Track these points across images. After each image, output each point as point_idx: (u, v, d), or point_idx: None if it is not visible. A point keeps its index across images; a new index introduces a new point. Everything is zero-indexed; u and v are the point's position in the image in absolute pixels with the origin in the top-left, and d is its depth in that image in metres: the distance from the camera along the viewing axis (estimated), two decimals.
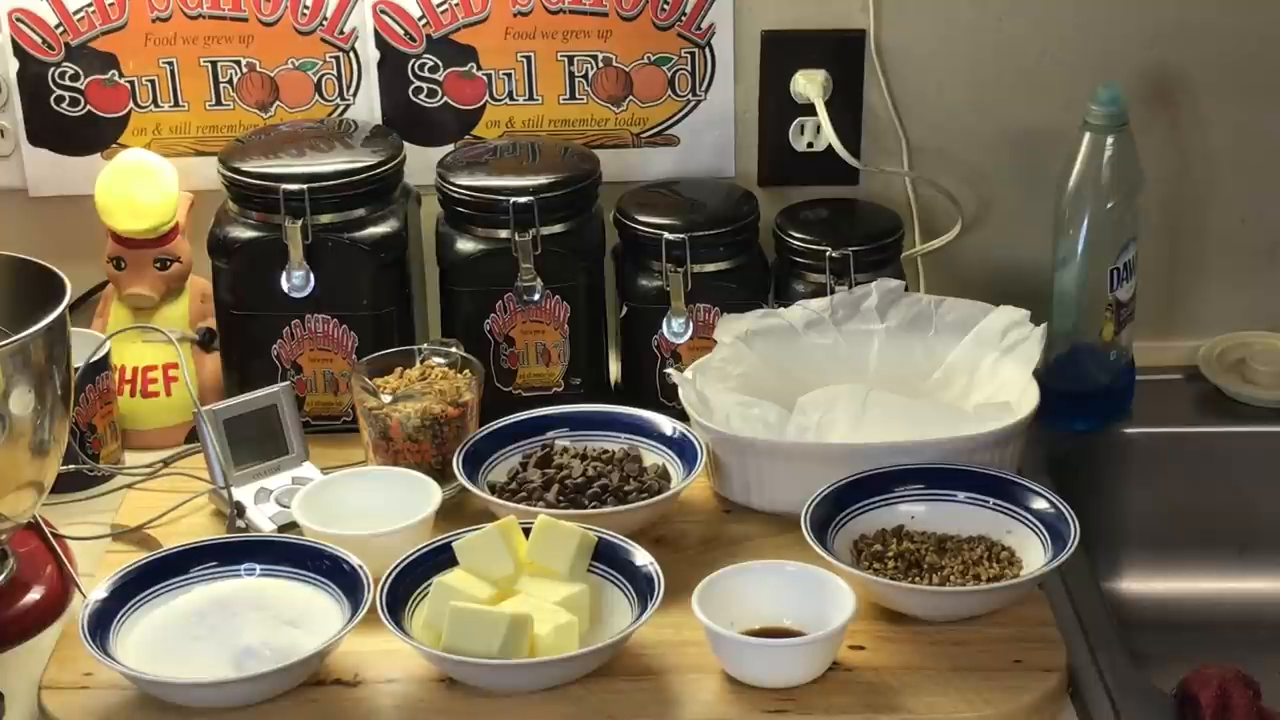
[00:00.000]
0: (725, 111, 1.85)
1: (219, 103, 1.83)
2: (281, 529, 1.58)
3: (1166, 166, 1.86)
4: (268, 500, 1.61)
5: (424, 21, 1.80)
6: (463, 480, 1.58)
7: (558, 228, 1.72)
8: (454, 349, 1.68)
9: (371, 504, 1.57)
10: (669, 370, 1.69)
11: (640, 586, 1.44)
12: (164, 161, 1.79)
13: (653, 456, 1.64)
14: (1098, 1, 1.82)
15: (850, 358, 1.71)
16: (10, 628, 1.49)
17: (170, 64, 1.81)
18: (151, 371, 1.77)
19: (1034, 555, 1.50)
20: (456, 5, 1.80)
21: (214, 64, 1.81)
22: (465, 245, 1.73)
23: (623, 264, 1.77)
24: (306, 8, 1.80)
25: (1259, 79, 1.85)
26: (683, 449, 1.63)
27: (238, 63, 1.82)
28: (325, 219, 1.69)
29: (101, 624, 1.42)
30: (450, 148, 1.83)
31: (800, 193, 1.86)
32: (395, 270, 1.73)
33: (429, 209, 1.79)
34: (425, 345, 1.70)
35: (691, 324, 1.73)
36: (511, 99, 1.84)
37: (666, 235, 1.71)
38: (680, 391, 1.63)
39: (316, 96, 1.84)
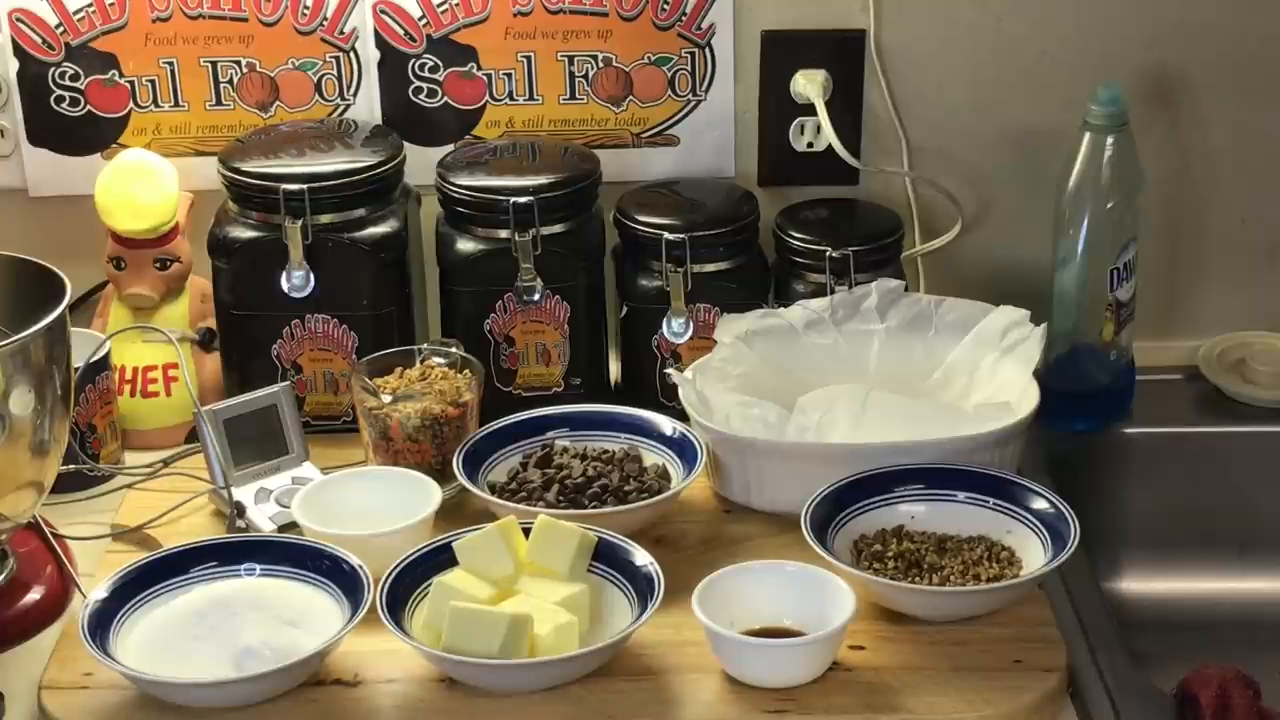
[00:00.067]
0: (725, 111, 1.85)
1: (219, 103, 1.83)
2: (281, 529, 1.58)
3: (1166, 166, 1.86)
4: (268, 500, 1.61)
5: (424, 21, 1.81)
6: (463, 480, 1.58)
7: (558, 228, 1.72)
8: (454, 349, 1.68)
9: (371, 504, 1.57)
10: (669, 370, 1.69)
11: (640, 586, 1.44)
12: (164, 161, 1.79)
13: (653, 456, 1.64)
14: (1098, 1, 1.82)
15: (850, 358, 1.71)
16: (10, 628, 1.49)
17: (170, 64, 1.81)
18: (151, 371, 1.77)
19: (1034, 555, 1.50)
20: (456, 5, 1.80)
21: (214, 64, 1.82)
22: (465, 245, 1.73)
23: (623, 264, 1.77)
24: (306, 8, 1.80)
25: (1259, 79, 1.85)
26: (683, 449, 1.63)
27: (238, 63, 1.82)
28: (325, 219, 1.69)
29: (101, 624, 1.42)
30: (450, 148, 1.83)
31: (800, 193, 1.86)
32: (395, 270, 1.73)
33: (429, 209, 1.79)
34: (425, 345, 1.70)
35: (691, 324, 1.73)
36: (511, 99, 1.84)
37: (666, 235, 1.71)
38: (680, 391, 1.63)
39: (316, 96, 1.84)
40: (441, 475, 1.60)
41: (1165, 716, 1.38)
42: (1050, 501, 1.51)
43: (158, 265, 1.78)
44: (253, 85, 1.83)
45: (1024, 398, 1.62)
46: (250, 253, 1.70)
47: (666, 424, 1.65)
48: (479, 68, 1.82)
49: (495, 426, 1.65)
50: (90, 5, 1.78)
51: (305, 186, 1.67)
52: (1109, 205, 1.71)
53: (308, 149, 1.74)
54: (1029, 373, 1.64)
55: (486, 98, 1.84)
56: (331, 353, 1.73)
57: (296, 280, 1.68)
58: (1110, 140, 1.70)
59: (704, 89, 1.84)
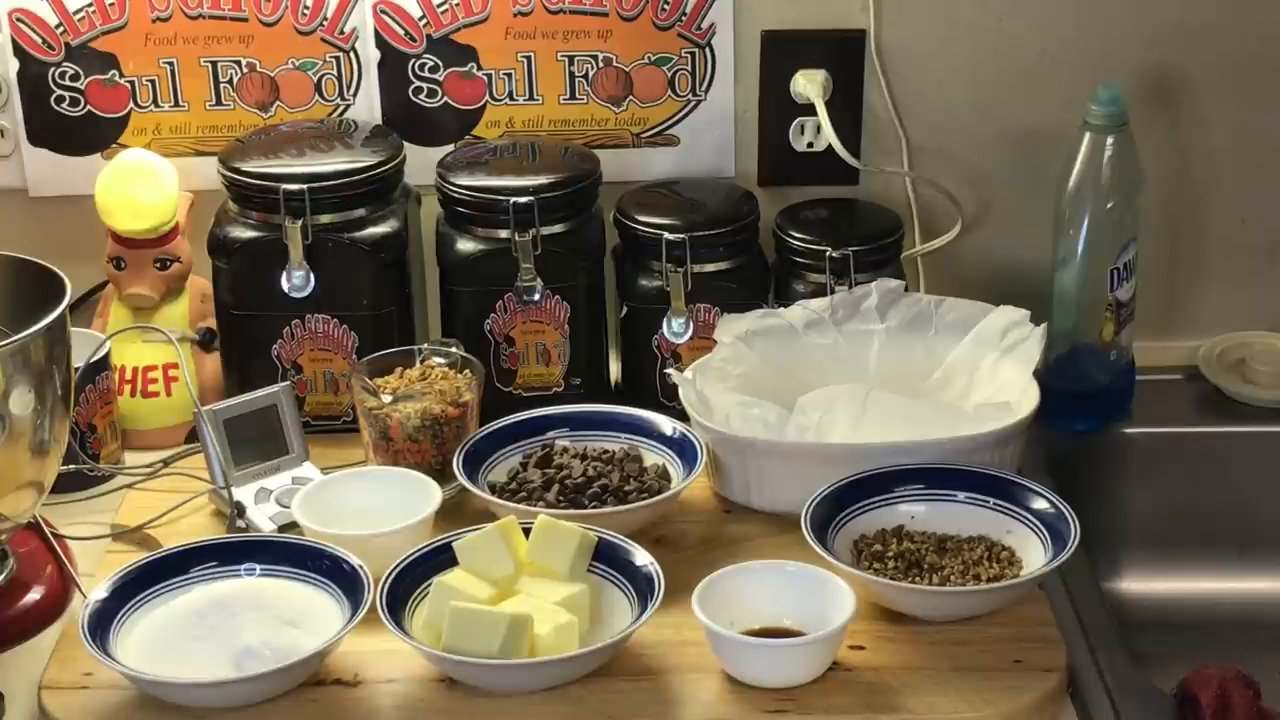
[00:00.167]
0: (725, 111, 1.85)
1: (219, 103, 1.83)
2: (281, 529, 1.58)
3: (1166, 166, 1.86)
4: (268, 500, 1.61)
5: (424, 21, 1.81)
6: (463, 480, 1.58)
7: (558, 228, 1.72)
8: (454, 349, 1.68)
9: (371, 504, 1.57)
10: (669, 370, 1.69)
11: (640, 586, 1.44)
12: (164, 161, 1.79)
13: (653, 456, 1.64)
14: (1098, 1, 1.82)
15: (850, 358, 1.71)
16: (10, 628, 1.49)
17: (170, 64, 1.81)
18: (151, 371, 1.77)
19: (1034, 555, 1.50)
20: (456, 5, 1.80)
21: (214, 64, 1.82)
22: (465, 245, 1.73)
23: (623, 264, 1.77)
24: (307, 8, 1.80)
25: (1259, 79, 1.85)
26: (683, 449, 1.63)
27: (238, 63, 1.82)
28: (325, 219, 1.69)
29: (101, 624, 1.42)
30: (450, 148, 1.83)
31: (800, 193, 1.86)
32: (395, 270, 1.73)
33: (429, 209, 1.79)
34: (425, 345, 1.70)
35: (691, 324, 1.73)
36: (511, 99, 1.84)
37: (666, 235, 1.71)
38: (680, 391, 1.63)
39: (316, 96, 1.84)
40: (441, 475, 1.60)
41: (1165, 716, 1.37)
42: (1050, 501, 1.51)
43: (158, 265, 1.78)
44: (253, 85, 1.83)
45: (1024, 398, 1.62)
46: (250, 253, 1.70)
47: (666, 424, 1.65)
48: (479, 68, 1.82)
49: (495, 426, 1.65)
50: (90, 5, 1.78)
51: (305, 186, 1.67)
52: (1109, 205, 1.71)
53: (308, 149, 1.74)
54: (1029, 373, 1.64)
55: (486, 98, 1.84)
56: (331, 353, 1.73)
57: (296, 280, 1.68)
58: (1110, 140, 1.70)
59: (704, 89, 1.84)
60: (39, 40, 1.80)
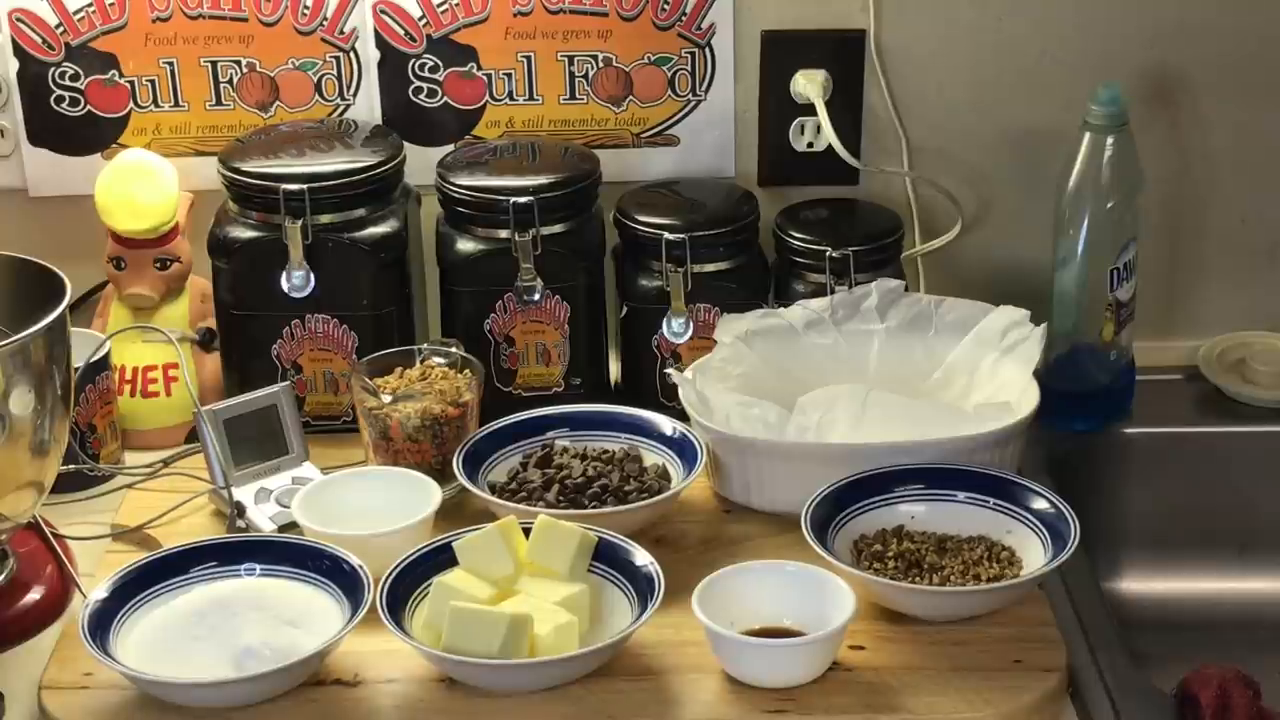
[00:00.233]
0: (725, 111, 1.85)
1: (219, 103, 1.83)
2: (281, 529, 1.58)
3: (1166, 166, 1.86)
4: (268, 500, 1.61)
5: (424, 21, 1.81)
6: (463, 480, 1.58)
7: (558, 228, 1.72)
8: (454, 349, 1.68)
9: (371, 504, 1.57)
10: (669, 370, 1.69)
11: (640, 586, 1.44)
12: (164, 161, 1.79)
13: (653, 456, 1.64)
14: (1098, 1, 1.82)
15: (850, 358, 1.71)
16: (10, 628, 1.49)
17: (170, 64, 1.81)
18: (151, 371, 1.77)
19: (1034, 555, 1.50)
20: (456, 5, 1.80)
21: (214, 64, 1.82)
22: (465, 245, 1.73)
23: (623, 264, 1.77)
24: (306, 8, 1.80)
25: (1259, 79, 1.85)
26: (683, 449, 1.63)
27: (238, 63, 1.82)
28: (325, 219, 1.69)
29: (101, 624, 1.42)
30: (450, 148, 1.83)
31: (800, 193, 1.86)
32: (395, 270, 1.73)
33: (429, 209, 1.79)
34: (425, 345, 1.70)
35: (691, 324, 1.73)
36: (511, 99, 1.84)
37: (666, 235, 1.71)
38: (680, 391, 1.63)
39: (316, 96, 1.84)
40: (441, 475, 1.60)
41: (1165, 716, 1.37)
42: (1050, 501, 1.51)
43: (158, 265, 1.78)
44: (253, 85, 1.83)
45: (1024, 398, 1.61)
46: (250, 253, 1.70)
47: (666, 424, 1.65)
48: (479, 68, 1.82)
49: (495, 426, 1.65)
50: (90, 5, 1.78)
51: (305, 186, 1.67)
52: (1109, 205, 1.71)
53: (308, 149, 1.74)
54: (1029, 373, 1.64)
55: (486, 98, 1.84)
56: (331, 353, 1.73)
57: (296, 280, 1.68)
58: (1110, 140, 1.70)
59: (704, 89, 1.84)
60: (39, 40, 1.80)
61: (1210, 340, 1.89)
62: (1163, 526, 1.80)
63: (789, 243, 1.76)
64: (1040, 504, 1.52)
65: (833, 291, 1.73)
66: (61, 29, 1.79)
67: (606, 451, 1.64)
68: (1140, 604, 1.77)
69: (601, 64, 1.83)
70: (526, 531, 1.47)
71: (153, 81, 1.82)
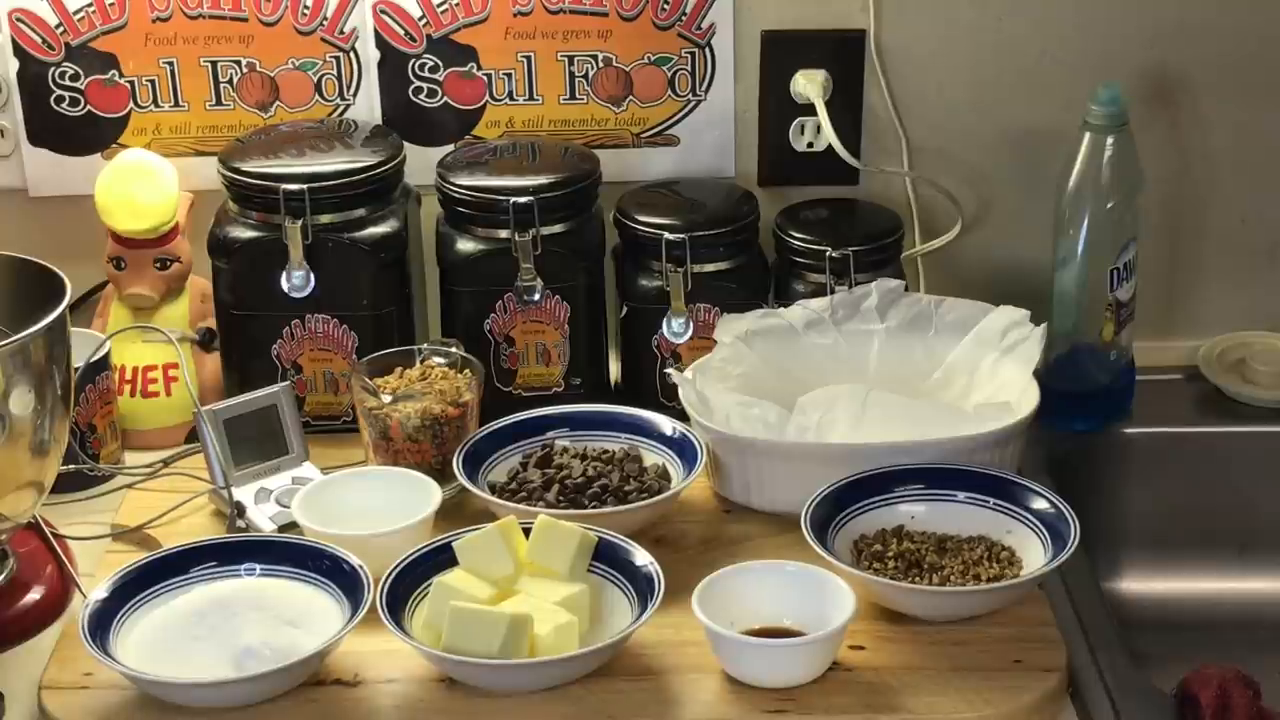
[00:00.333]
0: (725, 111, 1.85)
1: (219, 103, 1.83)
2: (281, 529, 1.58)
3: (1166, 166, 1.86)
4: (268, 500, 1.61)
5: (424, 21, 1.81)
6: (463, 480, 1.58)
7: (558, 228, 1.72)
8: (454, 349, 1.68)
9: (371, 504, 1.57)
10: (669, 370, 1.69)
11: (640, 586, 1.44)
12: (164, 161, 1.79)
13: (653, 456, 1.64)
14: (1098, 1, 1.82)
15: (850, 358, 1.71)
16: (10, 628, 1.49)
17: (170, 64, 1.81)
18: (151, 371, 1.77)
19: (1034, 555, 1.50)
20: (456, 5, 1.80)
21: (214, 64, 1.82)
22: (465, 245, 1.73)
23: (623, 264, 1.77)
24: (306, 8, 1.80)
25: (1259, 79, 1.85)
26: (683, 449, 1.63)
27: (238, 63, 1.82)
28: (325, 219, 1.69)
29: (101, 624, 1.42)
30: (450, 148, 1.83)
31: (800, 193, 1.86)
32: (395, 270, 1.73)
33: (429, 209, 1.79)
34: (425, 345, 1.70)
35: (691, 324, 1.73)
36: (511, 99, 1.84)
37: (666, 235, 1.71)
38: (680, 391, 1.63)
39: (316, 96, 1.84)
40: (441, 475, 1.60)
41: (1165, 716, 1.37)
42: (1050, 501, 1.51)
43: (158, 265, 1.78)
44: (253, 85, 1.83)
45: (1024, 398, 1.61)
46: (250, 253, 1.70)
47: (666, 424, 1.65)
48: (479, 68, 1.82)
49: (495, 426, 1.65)
50: (90, 5, 1.78)
51: (305, 186, 1.67)
52: (1109, 205, 1.71)
53: (308, 149, 1.74)
54: (1029, 373, 1.64)
55: (486, 98, 1.84)
56: (331, 353, 1.73)
57: (296, 280, 1.68)
58: (1110, 140, 1.70)
59: (704, 89, 1.84)
60: (39, 40, 1.80)
61: (1210, 340, 1.89)
62: (1163, 526, 1.80)
63: (789, 243, 1.76)
64: (1040, 504, 1.52)
65: (833, 291, 1.73)
66: (61, 29, 1.79)
67: (606, 451, 1.63)
68: (1140, 604, 1.77)
69: (601, 64, 1.83)
70: (526, 531, 1.47)
71: (153, 81, 1.82)
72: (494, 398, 1.72)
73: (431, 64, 1.82)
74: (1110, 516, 1.76)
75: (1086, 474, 1.75)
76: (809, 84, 1.83)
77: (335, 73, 1.82)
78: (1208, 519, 1.79)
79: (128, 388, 1.77)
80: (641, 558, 1.46)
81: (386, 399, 1.62)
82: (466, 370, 1.66)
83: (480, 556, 1.45)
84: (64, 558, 1.55)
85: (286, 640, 1.41)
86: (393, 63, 1.82)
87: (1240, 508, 1.79)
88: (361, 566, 1.45)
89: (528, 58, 1.82)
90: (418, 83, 1.83)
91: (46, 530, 1.56)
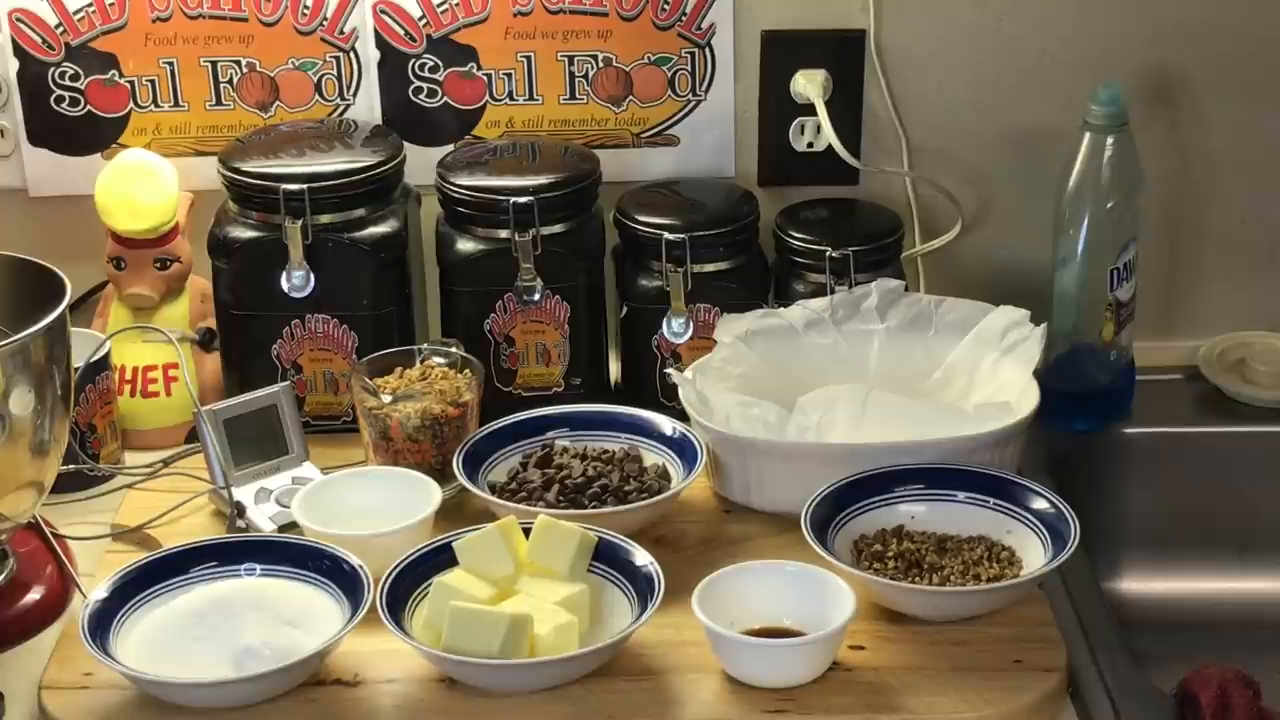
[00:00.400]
0: (725, 111, 1.85)
1: (219, 103, 1.83)
2: (281, 529, 1.58)
3: (1166, 166, 1.86)
4: (268, 500, 1.61)
5: (424, 21, 1.81)
6: (463, 480, 1.58)
7: (558, 228, 1.72)
8: (454, 349, 1.68)
9: (371, 504, 1.57)
10: (669, 370, 1.69)
11: (640, 586, 1.44)
12: (164, 161, 1.79)
13: (653, 456, 1.64)
14: (1098, 1, 1.82)
15: (850, 358, 1.71)
16: (10, 628, 1.49)
17: (170, 64, 1.81)
18: (151, 371, 1.77)
19: (1034, 555, 1.50)
20: (456, 5, 1.80)
21: (214, 64, 1.82)
22: (465, 245, 1.73)
23: (623, 264, 1.77)
24: (306, 8, 1.80)
25: (1259, 79, 1.85)
26: (683, 449, 1.63)
27: (238, 63, 1.82)
28: (325, 219, 1.69)
29: (101, 624, 1.42)
30: (450, 148, 1.83)
31: (800, 193, 1.86)
32: (395, 270, 1.73)
33: (429, 209, 1.79)
34: (425, 345, 1.70)
35: (691, 324, 1.73)
36: (511, 99, 1.84)
37: (666, 235, 1.71)
38: (680, 391, 1.63)
39: (316, 96, 1.84)
40: (441, 475, 1.60)
41: (1165, 716, 1.37)
42: (1050, 501, 1.51)
43: (158, 265, 1.78)
44: (253, 85, 1.83)
45: (1024, 398, 1.61)
46: (250, 253, 1.70)
47: (666, 424, 1.65)
48: (479, 68, 1.82)
49: (495, 426, 1.65)
50: (90, 5, 1.78)
51: (305, 186, 1.67)
52: (1109, 205, 1.71)
53: (308, 149, 1.74)
54: (1029, 373, 1.64)
55: (486, 98, 1.84)
56: (331, 353, 1.73)
57: (296, 280, 1.68)
58: (1110, 140, 1.70)
59: (704, 89, 1.84)
60: (39, 40, 1.80)
61: (1210, 340, 1.89)
62: (1163, 526, 1.79)
63: (789, 243, 1.76)
64: (1040, 504, 1.52)
65: (833, 291, 1.73)
66: (61, 29, 1.79)
67: (606, 451, 1.64)
68: (1140, 604, 1.77)
69: (601, 64, 1.83)
70: (526, 531, 1.47)
71: (153, 81, 1.82)
72: (494, 398, 1.72)
73: (431, 64, 1.82)
74: (1110, 516, 1.76)
75: (1086, 474, 1.75)
76: (809, 84, 1.83)
77: (335, 73, 1.82)
78: (1208, 519, 1.79)
79: (128, 388, 1.77)
80: (641, 558, 1.46)
81: (386, 399, 1.62)
82: (466, 370, 1.66)
83: (480, 556, 1.45)
84: (64, 558, 1.55)
85: (286, 640, 1.41)
86: (393, 63, 1.82)
87: (1240, 508, 1.79)
88: (361, 566, 1.45)
89: (528, 58, 1.82)
90: (418, 83, 1.83)
91: (46, 530, 1.56)
